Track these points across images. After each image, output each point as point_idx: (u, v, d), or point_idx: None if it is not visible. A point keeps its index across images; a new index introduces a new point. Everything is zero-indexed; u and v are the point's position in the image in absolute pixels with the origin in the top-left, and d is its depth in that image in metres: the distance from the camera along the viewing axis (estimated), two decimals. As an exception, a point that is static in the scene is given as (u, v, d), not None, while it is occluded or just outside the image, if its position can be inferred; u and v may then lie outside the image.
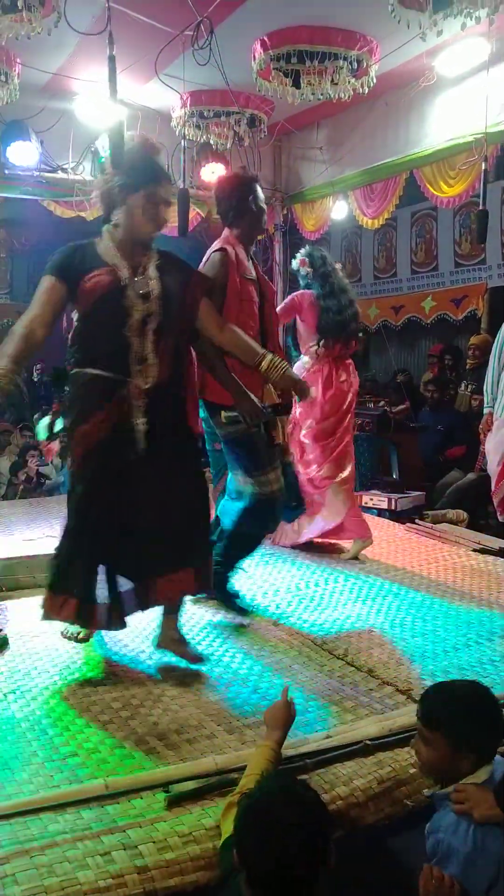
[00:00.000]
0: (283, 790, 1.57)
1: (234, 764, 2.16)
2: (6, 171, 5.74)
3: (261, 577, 4.02)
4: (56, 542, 2.82)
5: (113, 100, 3.00)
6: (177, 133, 5.68)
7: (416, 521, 5.21)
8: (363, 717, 2.51)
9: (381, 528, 5.07)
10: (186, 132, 5.50)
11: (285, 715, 2.10)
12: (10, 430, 7.11)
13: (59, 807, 1.98)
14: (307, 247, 4.48)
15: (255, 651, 3.08)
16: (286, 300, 4.41)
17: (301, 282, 4.39)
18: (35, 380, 10.08)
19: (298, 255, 4.42)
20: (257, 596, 3.73)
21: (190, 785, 2.08)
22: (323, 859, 1.44)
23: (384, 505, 5.56)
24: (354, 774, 2.17)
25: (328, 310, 4.24)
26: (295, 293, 4.39)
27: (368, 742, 2.27)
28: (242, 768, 2.11)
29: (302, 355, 4.43)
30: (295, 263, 4.41)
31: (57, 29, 3.99)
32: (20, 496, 6.28)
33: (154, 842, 1.86)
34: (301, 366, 4.37)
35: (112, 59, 2.98)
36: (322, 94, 4.61)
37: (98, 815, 1.97)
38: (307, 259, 4.34)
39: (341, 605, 3.61)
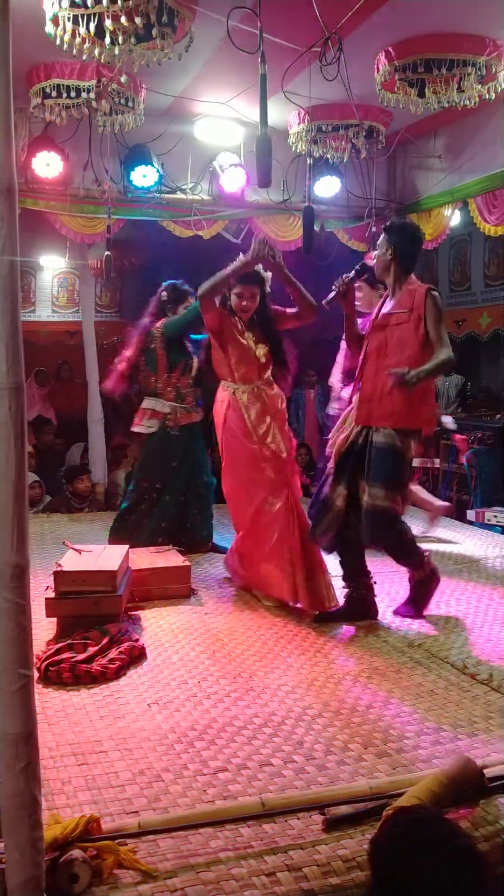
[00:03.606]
0: (436, 842, 1.48)
1: (389, 789, 2.12)
2: (129, 195, 5.94)
3: (389, 595, 3.94)
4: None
5: (263, 117, 3.05)
6: (293, 149, 5.72)
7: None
8: (518, 746, 2.40)
9: (508, 547, 4.88)
10: (306, 147, 5.52)
11: (473, 772, 2.05)
12: (127, 443, 7.31)
13: (219, 823, 1.98)
14: None
15: (393, 673, 3.00)
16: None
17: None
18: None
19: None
20: (388, 615, 3.66)
21: (345, 808, 2.04)
22: None
23: (509, 522, 5.34)
24: (518, 808, 2.07)
25: None
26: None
27: (530, 774, 2.16)
28: (398, 794, 2.06)
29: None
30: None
31: (186, 53, 4.09)
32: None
33: (318, 865, 1.83)
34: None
35: (263, 79, 3.05)
36: (447, 102, 4.52)
37: (257, 834, 1.96)
38: None
39: (477, 628, 3.48)
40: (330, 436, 3.70)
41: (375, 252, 3.61)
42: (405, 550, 3.48)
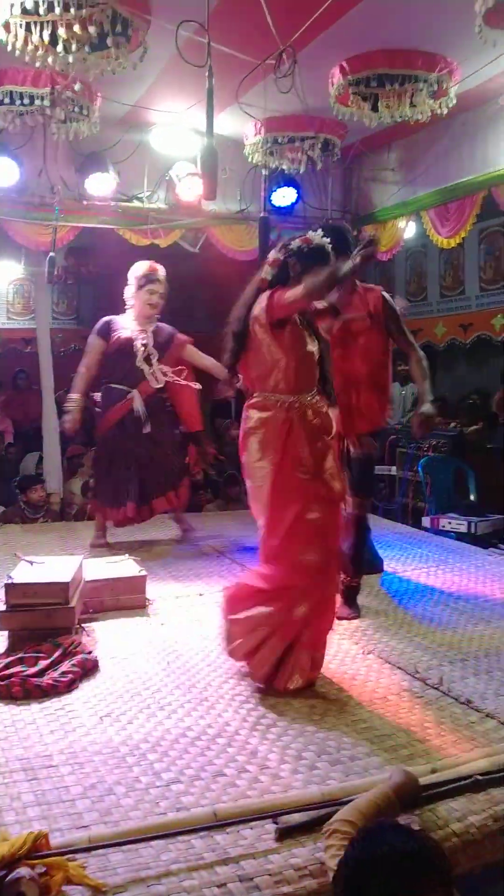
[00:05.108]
0: (405, 853, 1.46)
1: (341, 795, 2.12)
2: (84, 202, 5.90)
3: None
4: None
5: (209, 130, 3.06)
6: (250, 160, 5.76)
7: (500, 545, 5.07)
8: (468, 750, 2.43)
9: (462, 554, 4.96)
10: (262, 159, 5.57)
11: (415, 785, 2.07)
12: (83, 452, 7.23)
13: (170, 835, 1.96)
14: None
15: (347, 680, 3.02)
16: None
17: None
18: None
19: None
20: (343, 623, 3.67)
21: (297, 816, 2.04)
22: None
23: (463, 528, 5.43)
24: (468, 811, 2.09)
25: None
26: None
27: (479, 777, 2.20)
28: (349, 800, 2.07)
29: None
30: None
31: (141, 63, 4.09)
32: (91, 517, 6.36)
33: (270, 874, 1.83)
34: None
35: (210, 93, 3.06)
36: (400, 116, 4.61)
37: (209, 845, 1.94)
38: None
39: (431, 633, 3.52)
40: None
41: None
42: (363, 555, 3.79)
